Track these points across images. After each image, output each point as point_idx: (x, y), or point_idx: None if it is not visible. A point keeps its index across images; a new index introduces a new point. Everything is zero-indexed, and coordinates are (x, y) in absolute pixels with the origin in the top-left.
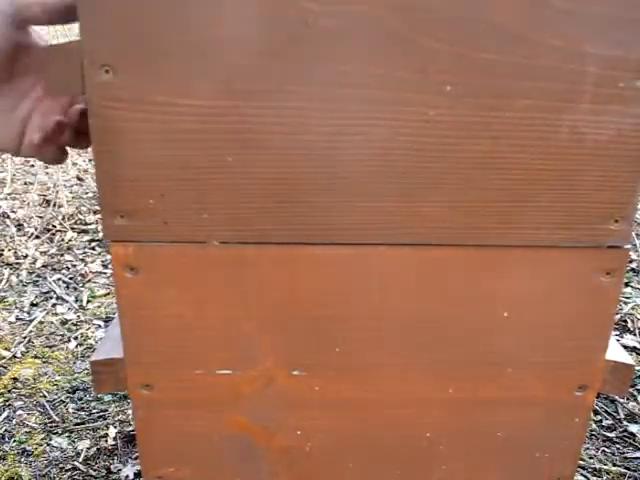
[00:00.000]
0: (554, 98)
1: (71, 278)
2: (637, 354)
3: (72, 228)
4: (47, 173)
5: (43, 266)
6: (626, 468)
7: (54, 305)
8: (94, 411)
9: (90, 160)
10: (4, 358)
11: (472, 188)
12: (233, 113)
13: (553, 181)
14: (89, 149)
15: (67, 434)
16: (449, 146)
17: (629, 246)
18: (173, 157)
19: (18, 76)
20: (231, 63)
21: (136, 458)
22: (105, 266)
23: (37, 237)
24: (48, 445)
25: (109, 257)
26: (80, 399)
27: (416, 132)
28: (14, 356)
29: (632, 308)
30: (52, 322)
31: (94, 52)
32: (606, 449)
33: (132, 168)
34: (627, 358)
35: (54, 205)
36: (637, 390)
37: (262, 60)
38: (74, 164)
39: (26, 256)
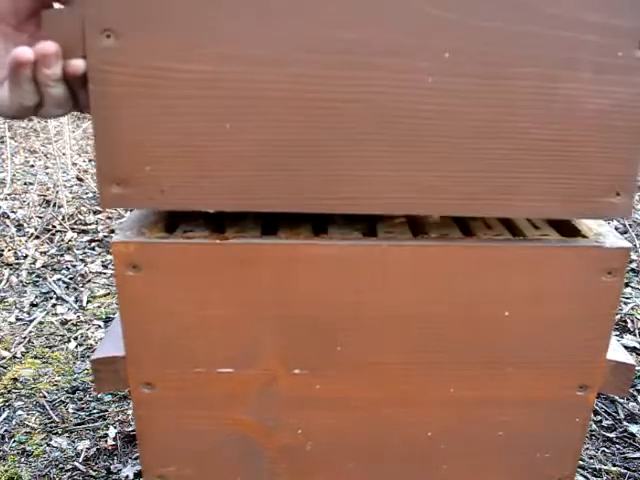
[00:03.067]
0: (553, 66)
1: (71, 278)
2: (637, 354)
3: (72, 228)
4: (47, 173)
5: (43, 266)
6: (626, 468)
7: (54, 305)
8: (94, 411)
9: (90, 160)
10: (4, 358)
11: (471, 157)
12: (232, 79)
13: (553, 151)
14: (88, 150)
15: (67, 434)
16: (448, 114)
17: (629, 246)
18: (172, 123)
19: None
20: (231, 29)
21: (136, 458)
22: (105, 266)
23: (37, 237)
24: (48, 445)
25: (109, 257)
26: (80, 399)
27: (414, 99)
28: (14, 356)
29: (632, 308)
30: (52, 322)
31: (95, 17)
32: (606, 449)
33: (130, 134)
34: (628, 358)
35: (54, 205)
36: (637, 390)
37: (262, 25)
38: (74, 164)
39: (26, 256)
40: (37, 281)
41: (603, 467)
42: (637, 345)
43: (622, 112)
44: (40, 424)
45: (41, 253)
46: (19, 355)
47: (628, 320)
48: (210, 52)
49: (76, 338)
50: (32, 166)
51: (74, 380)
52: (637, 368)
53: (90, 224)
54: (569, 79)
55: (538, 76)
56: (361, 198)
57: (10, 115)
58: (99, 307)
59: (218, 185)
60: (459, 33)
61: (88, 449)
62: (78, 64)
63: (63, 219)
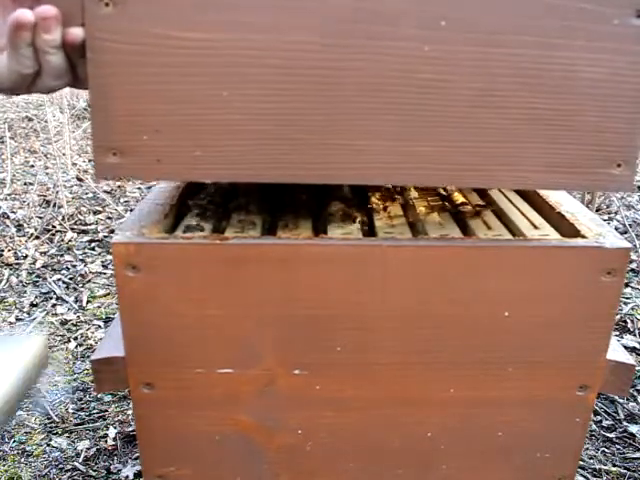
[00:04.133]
0: (549, 35)
1: (71, 278)
2: (637, 354)
3: (72, 228)
4: (47, 174)
5: (43, 266)
6: (626, 468)
7: (54, 305)
8: (94, 411)
9: (90, 160)
10: None
11: (470, 127)
12: (230, 47)
13: (551, 121)
14: (88, 150)
15: (67, 434)
16: (444, 82)
17: (629, 246)
18: (169, 92)
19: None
20: None
21: (136, 458)
22: (105, 266)
23: (37, 237)
24: (48, 445)
25: (109, 257)
26: (80, 399)
27: (411, 67)
28: None
29: (632, 308)
30: (52, 322)
31: None
32: (606, 449)
33: (127, 103)
34: (628, 358)
35: (54, 205)
36: (637, 390)
37: None
38: (74, 164)
39: (26, 256)
40: (37, 281)
41: (603, 467)
42: (637, 345)
43: (618, 81)
44: (40, 424)
45: (41, 253)
46: None
47: (628, 320)
48: (208, 19)
49: (76, 338)
50: (32, 166)
51: (74, 380)
52: (637, 368)
53: (90, 224)
54: (565, 48)
55: (534, 44)
56: (357, 168)
57: (8, 86)
58: (99, 307)
59: (215, 155)
60: (456, 1)
61: (88, 449)
62: (77, 32)
63: (63, 219)
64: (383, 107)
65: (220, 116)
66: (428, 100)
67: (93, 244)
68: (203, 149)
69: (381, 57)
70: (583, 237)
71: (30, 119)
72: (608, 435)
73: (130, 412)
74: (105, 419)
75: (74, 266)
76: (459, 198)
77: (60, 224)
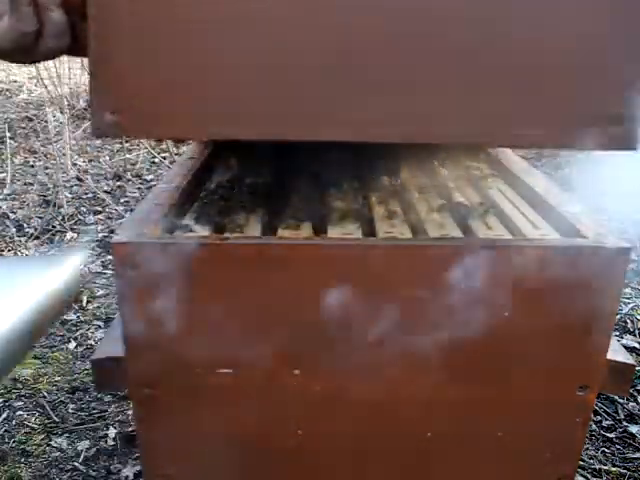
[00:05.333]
0: None
1: None
2: (637, 354)
3: (72, 228)
4: (47, 174)
5: None
6: (626, 469)
7: None
8: (94, 411)
9: (90, 160)
10: None
11: (462, 82)
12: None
13: (553, 74)
14: (88, 150)
15: (67, 434)
16: (441, 36)
17: (629, 246)
18: (171, 46)
19: None
20: None
21: (136, 458)
22: (105, 266)
23: (37, 237)
24: (48, 445)
25: (109, 257)
26: (80, 399)
27: (410, 21)
28: None
29: (632, 308)
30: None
31: None
32: (606, 449)
33: (127, 60)
34: (628, 358)
35: (54, 205)
36: (637, 390)
37: None
38: (74, 164)
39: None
40: None
41: (603, 467)
42: (637, 345)
43: (607, 34)
44: (40, 424)
45: (41, 253)
46: None
47: (628, 320)
48: None
49: (76, 338)
50: (32, 166)
51: (74, 380)
52: (637, 368)
53: (90, 224)
54: None
55: None
56: (359, 125)
57: (10, 47)
58: (99, 307)
59: (216, 111)
60: None
61: (88, 449)
62: None
63: (63, 219)
64: (383, 62)
65: (223, 71)
66: (427, 54)
67: (93, 244)
68: (204, 105)
69: (381, 11)
70: (583, 237)
71: (30, 119)
72: (608, 435)
73: (130, 412)
74: (105, 419)
75: None
76: (459, 197)
77: (60, 224)
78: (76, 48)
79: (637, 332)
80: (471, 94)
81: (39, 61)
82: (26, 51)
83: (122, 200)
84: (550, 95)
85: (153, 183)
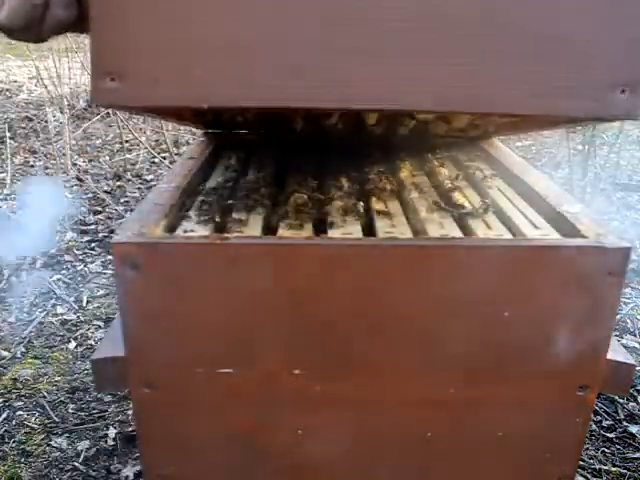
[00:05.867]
0: None
1: (71, 278)
2: (637, 355)
3: (72, 228)
4: (47, 174)
5: (43, 266)
6: (626, 468)
7: (54, 305)
8: (94, 411)
9: (90, 160)
10: (4, 358)
11: (469, 49)
12: None
13: (550, 43)
14: (88, 150)
15: (67, 434)
16: (442, 3)
17: (629, 246)
18: (171, 9)
19: None
20: None
21: (136, 458)
22: (105, 266)
23: None
24: (48, 445)
25: (109, 257)
26: (80, 399)
27: None
28: (14, 356)
29: (632, 308)
30: (52, 322)
31: None
32: (606, 449)
33: (127, 25)
34: (628, 358)
35: None
36: (637, 390)
37: None
38: (74, 164)
39: (26, 257)
40: (37, 281)
41: (603, 467)
42: (637, 345)
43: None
44: (40, 424)
45: (41, 253)
46: (19, 355)
47: (628, 320)
48: None
49: (76, 338)
50: (32, 166)
51: (74, 380)
52: (637, 368)
53: (90, 224)
54: None
55: None
56: (365, 91)
57: (22, 24)
58: (99, 307)
59: (214, 78)
60: None
61: (88, 449)
62: None
63: (63, 219)
64: (382, 28)
65: (222, 37)
66: (426, 20)
67: (93, 244)
68: (203, 71)
69: None
70: (583, 237)
71: (30, 119)
72: (608, 435)
73: (130, 412)
74: (105, 419)
75: (74, 266)
76: (460, 198)
77: (60, 224)
78: (82, 21)
79: (637, 332)
80: (478, 62)
81: (46, 38)
82: (35, 25)
83: (122, 200)
84: (558, 65)
85: (153, 183)
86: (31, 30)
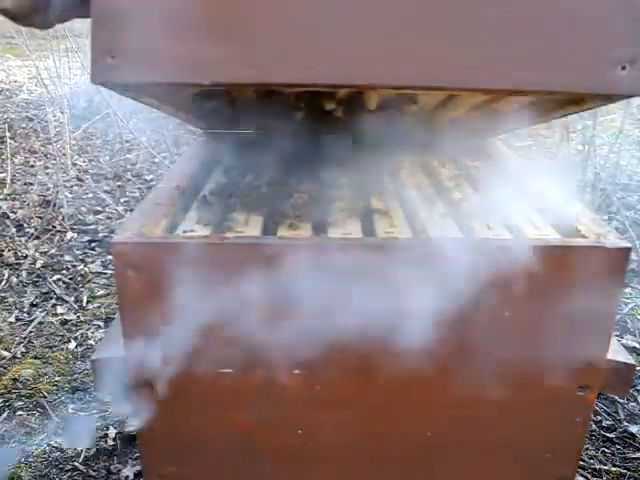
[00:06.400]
0: None
1: (71, 278)
2: (637, 354)
3: (72, 228)
4: (47, 174)
5: (43, 266)
6: (626, 468)
7: (54, 305)
8: (94, 411)
9: (90, 160)
10: (4, 358)
11: (474, 25)
12: None
13: (553, 20)
14: (88, 150)
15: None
16: None
17: (629, 246)
18: None
19: None
20: None
21: (136, 458)
22: (105, 266)
23: (37, 237)
24: (48, 445)
25: (109, 257)
26: (80, 399)
27: None
28: (14, 357)
29: (632, 308)
30: (52, 322)
31: None
32: (606, 449)
33: (128, 3)
34: (628, 358)
35: (54, 205)
36: (637, 390)
37: None
38: (74, 164)
39: (26, 256)
40: (37, 281)
41: (603, 467)
42: (637, 345)
43: None
44: (40, 424)
45: (41, 253)
46: (19, 355)
47: (628, 320)
48: None
49: (76, 338)
50: (32, 166)
51: (74, 380)
52: (637, 368)
53: (90, 224)
54: None
55: None
56: (360, 68)
57: (31, 6)
58: (99, 307)
59: (215, 54)
60: None
61: (88, 449)
62: None
63: (63, 219)
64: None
65: (223, 14)
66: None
67: (93, 244)
68: (204, 48)
69: None
70: (583, 237)
71: (30, 119)
72: (608, 435)
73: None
74: (105, 419)
75: (74, 266)
76: (458, 196)
77: (60, 224)
78: (86, 4)
79: (637, 332)
80: (481, 38)
81: (53, 23)
82: (41, 10)
83: (122, 200)
84: (560, 41)
85: (153, 183)
86: (37, 15)
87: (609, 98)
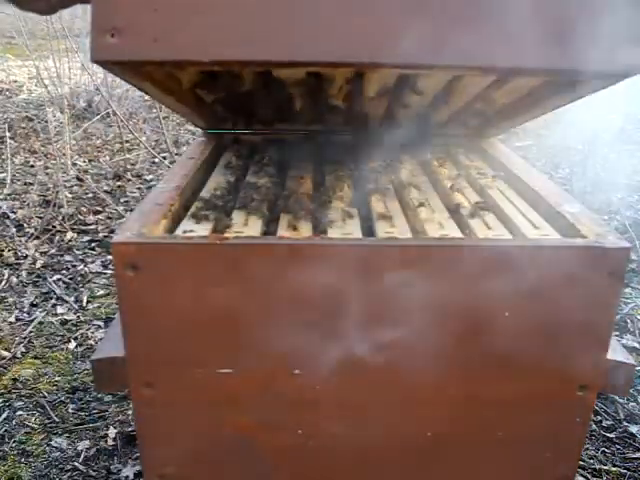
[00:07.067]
0: None
1: (71, 278)
2: (637, 354)
3: (72, 228)
4: (47, 174)
5: (43, 266)
6: (626, 468)
7: (54, 305)
8: (94, 411)
9: (90, 160)
10: (4, 358)
11: (471, 2)
12: None
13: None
14: (89, 150)
15: (67, 434)
16: None
17: (629, 246)
18: None
19: None
20: None
21: (136, 458)
22: (105, 266)
23: (37, 237)
24: (48, 445)
25: (109, 257)
26: (80, 399)
27: None
28: (14, 356)
29: (632, 308)
30: (52, 322)
31: None
32: (606, 449)
33: None
34: (628, 358)
35: (54, 205)
36: (637, 390)
37: None
38: (74, 164)
39: (26, 256)
40: (37, 281)
41: (603, 467)
42: (637, 345)
43: None
44: (40, 424)
45: (41, 253)
46: (19, 355)
47: (628, 320)
48: None
49: (76, 338)
50: (32, 166)
51: (74, 380)
52: (637, 368)
53: (90, 224)
54: None
55: None
56: (349, 45)
57: None
58: (99, 307)
59: (215, 32)
60: None
61: (88, 449)
62: None
63: (63, 219)
64: None
65: None
66: None
67: (93, 244)
68: (204, 25)
69: None
70: (583, 237)
71: (30, 119)
72: (608, 435)
73: (130, 412)
74: (105, 419)
75: (74, 266)
76: (459, 197)
77: (60, 224)
78: None
79: (637, 332)
80: (481, 17)
81: (57, 7)
82: None
83: (122, 200)
84: (569, 20)
85: (153, 183)
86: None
87: (606, 78)
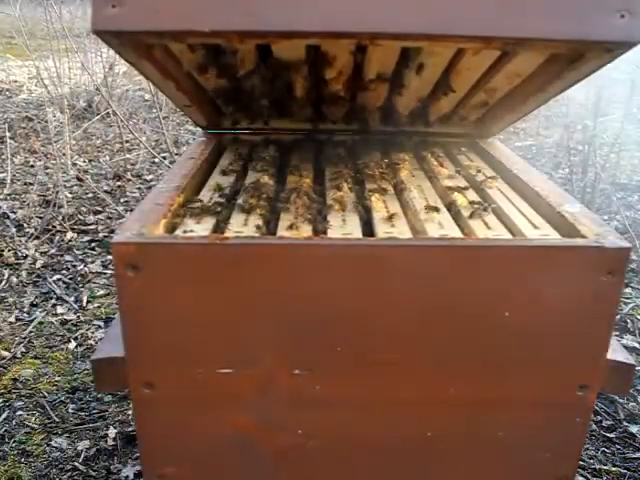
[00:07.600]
0: None
1: (71, 278)
2: (637, 354)
3: (72, 228)
4: (47, 174)
5: (43, 266)
6: (626, 468)
7: (54, 305)
8: (94, 411)
9: (90, 160)
10: (4, 358)
11: None
12: None
13: None
14: (89, 150)
15: (67, 434)
16: None
17: (629, 246)
18: None
19: None
20: None
21: (136, 458)
22: (105, 266)
23: (37, 237)
24: (48, 445)
25: (109, 257)
26: (80, 399)
27: None
28: (14, 356)
29: (632, 308)
30: (52, 322)
31: None
32: (606, 449)
33: None
34: (628, 358)
35: (54, 205)
36: (637, 390)
37: None
38: (74, 164)
39: (26, 256)
40: (37, 281)
41: (603, 467)
42: (637, 345)
43: None
44: (40, 424)
45: (41, 253)
46: (19, 355)
47: (628, 320)
48: None
49: (76, 338)
50: (32, 166)
51: (74, 380)
52: (637, 368)
53: (90, 224)
54: None
55: None
56: (350, 15)
57: None
58: (99, 307)
59: (216, 2)
60: None
61: (88, 449)
62: None
63: (63, 219)
64: None
65: None
66: None
67: (93, 244)
68: None
69: None
70: (583, 237)
71: (30, 119)
72: (608, 435)
73: (130, 412)
74: (105, 419)
75: (74, 266)
76: (459, 198)
77: (60, 224)
78: None
79: (637, 332)
80: None
81: None
82: None
83: (122, 200)
84: None
85: (153, 183)
86: None
87: (609, 50)
